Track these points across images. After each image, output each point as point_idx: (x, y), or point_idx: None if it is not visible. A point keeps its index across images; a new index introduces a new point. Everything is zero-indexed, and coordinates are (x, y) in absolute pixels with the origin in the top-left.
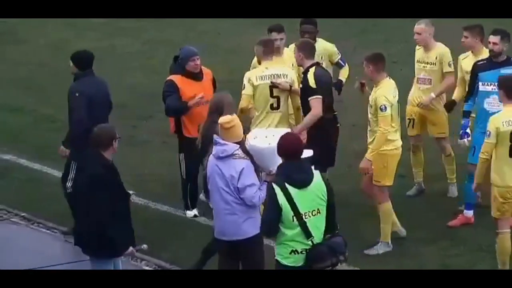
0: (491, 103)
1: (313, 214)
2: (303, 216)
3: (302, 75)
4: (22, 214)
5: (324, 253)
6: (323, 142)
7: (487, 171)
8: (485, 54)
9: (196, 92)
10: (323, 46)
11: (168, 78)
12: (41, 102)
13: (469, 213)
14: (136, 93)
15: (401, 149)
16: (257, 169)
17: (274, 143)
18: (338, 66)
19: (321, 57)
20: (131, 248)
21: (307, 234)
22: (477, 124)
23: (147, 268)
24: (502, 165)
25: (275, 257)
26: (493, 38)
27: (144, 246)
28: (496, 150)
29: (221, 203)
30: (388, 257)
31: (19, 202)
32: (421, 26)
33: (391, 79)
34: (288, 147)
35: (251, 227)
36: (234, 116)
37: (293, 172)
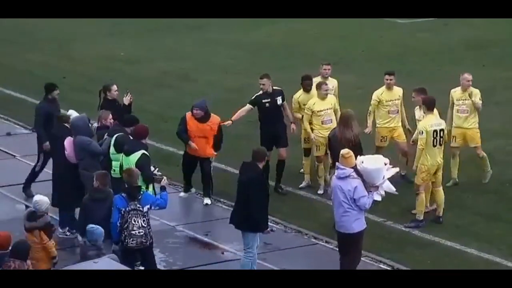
0: None
1: None
2: None
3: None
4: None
5: None
6: None
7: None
8: None
9: (195, 128)
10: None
11: (185, 114)
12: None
13: None
14: None
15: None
16: (365, 183)
17: (376, 166)
18: None
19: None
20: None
21: None
22: None
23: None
24: (429, 151)
25: None
26: None
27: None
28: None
29: (340, 208)
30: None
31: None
32: (470, 76)
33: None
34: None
35: (358, 225)
36: (350, 151)
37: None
